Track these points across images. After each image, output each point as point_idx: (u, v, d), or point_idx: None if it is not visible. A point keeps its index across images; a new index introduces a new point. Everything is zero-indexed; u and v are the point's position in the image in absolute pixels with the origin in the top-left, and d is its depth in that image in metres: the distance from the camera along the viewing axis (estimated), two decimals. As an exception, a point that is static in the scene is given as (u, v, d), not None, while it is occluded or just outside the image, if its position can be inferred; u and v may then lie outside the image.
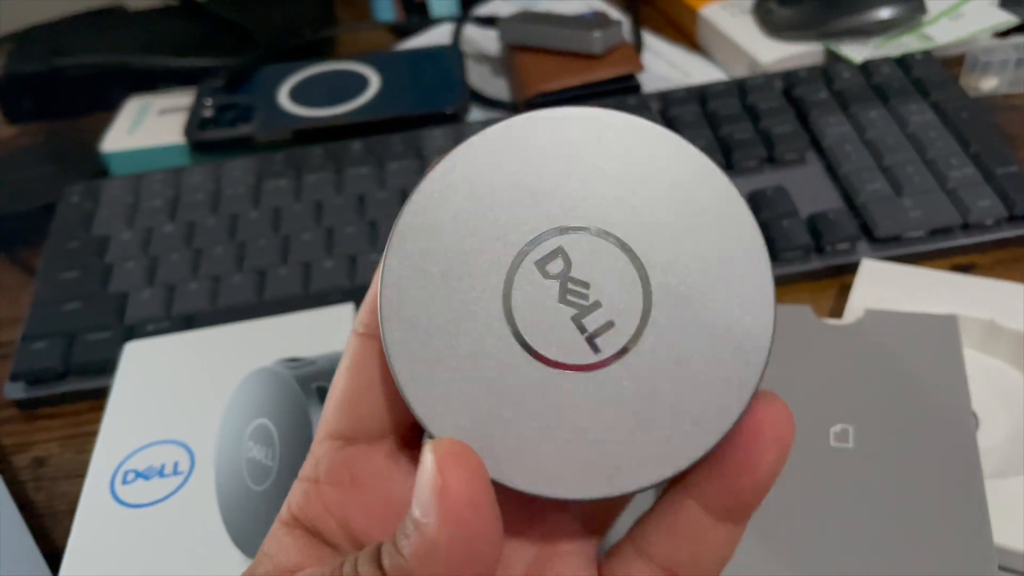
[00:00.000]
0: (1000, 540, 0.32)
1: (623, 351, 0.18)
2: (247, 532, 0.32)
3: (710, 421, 0.17)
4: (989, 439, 0.37)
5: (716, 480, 0.18)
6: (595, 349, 0.18)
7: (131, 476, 0.34)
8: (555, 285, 0.18)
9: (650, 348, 0.18)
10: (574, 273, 0.18)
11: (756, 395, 0.18)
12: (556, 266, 0.18)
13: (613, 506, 0.21)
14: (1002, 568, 0.32)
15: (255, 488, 0.32)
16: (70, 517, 0.36)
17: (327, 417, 0.21)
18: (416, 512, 0.17)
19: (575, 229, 0.18)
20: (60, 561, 0.33)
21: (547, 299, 0.18)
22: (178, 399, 0.37)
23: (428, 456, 0.17)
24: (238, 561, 0.32)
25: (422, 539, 0.16)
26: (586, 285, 0.18)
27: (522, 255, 0.18)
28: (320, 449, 0.21)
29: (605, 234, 0.18)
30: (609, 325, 0.18)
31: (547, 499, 0.18)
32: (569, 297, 0.18)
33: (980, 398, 0.38)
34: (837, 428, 0.35)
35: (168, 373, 0.38)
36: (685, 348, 0.18)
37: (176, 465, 0.35)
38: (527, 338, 0.18)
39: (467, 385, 0.18)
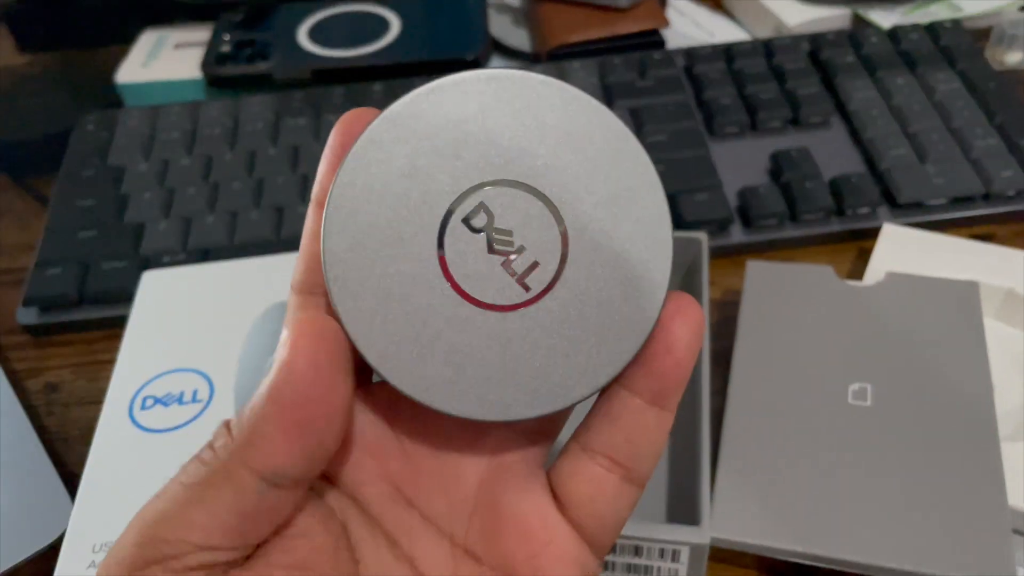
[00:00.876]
0: (1015, 502, 0.32)
1: (550, 286, 0.20)
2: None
3: (632, 329, 0.20)
4: (1004, 404, 0.37)
5: (643, 368, 0.20)
6: (526, 288, 0.20)
7: (150, 402, 0.34)
8: (482, 237, 0.20)
9: (573, 279, 0.20)
10: (497, 224, 0.20)
11: (667, 297, 0.20)
12: (480, 220, 0.20)
13: (558, 418, 0.23)
14: (1016, 532, 0.33)
15: (276, 418, 0.32)
16: (83, 442, 0.36)
17: None
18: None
19: (492, 183, 0.20)
20: (74, 485, 0.33)
21: (477, 251, 0.20)
22: (197, 329, 0.37)
23: (291, 320, 0.18)
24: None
25: (264, 384, 0.18)
26: (509, 233, 0.20)
27: (448, 214, 0.20)
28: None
29: (519, 184, 0.20)
30: (535, 265, 0.20)
31: (506, 422, 0.20)
32: (496, 246, 0.20)
33: (996, 365, 0.38)
34: (856, 386, 0.35)
35: (187, 303, 0.38)
36: (602, 274, 0.20)
37: (195, 393, 0.34)
38: (466, 289, 0.20)
39: (421, 338, 0.19)
